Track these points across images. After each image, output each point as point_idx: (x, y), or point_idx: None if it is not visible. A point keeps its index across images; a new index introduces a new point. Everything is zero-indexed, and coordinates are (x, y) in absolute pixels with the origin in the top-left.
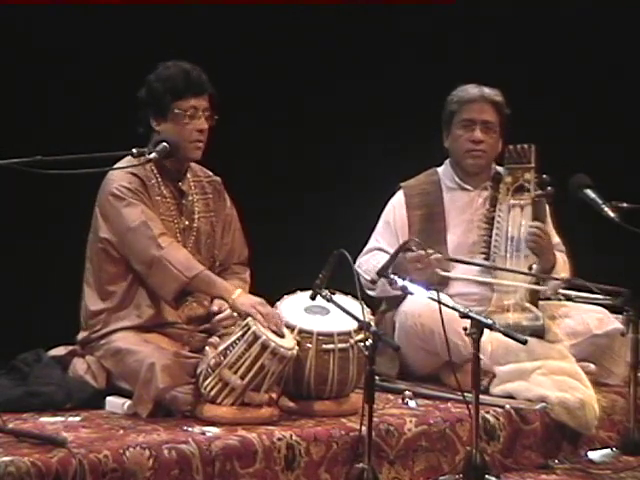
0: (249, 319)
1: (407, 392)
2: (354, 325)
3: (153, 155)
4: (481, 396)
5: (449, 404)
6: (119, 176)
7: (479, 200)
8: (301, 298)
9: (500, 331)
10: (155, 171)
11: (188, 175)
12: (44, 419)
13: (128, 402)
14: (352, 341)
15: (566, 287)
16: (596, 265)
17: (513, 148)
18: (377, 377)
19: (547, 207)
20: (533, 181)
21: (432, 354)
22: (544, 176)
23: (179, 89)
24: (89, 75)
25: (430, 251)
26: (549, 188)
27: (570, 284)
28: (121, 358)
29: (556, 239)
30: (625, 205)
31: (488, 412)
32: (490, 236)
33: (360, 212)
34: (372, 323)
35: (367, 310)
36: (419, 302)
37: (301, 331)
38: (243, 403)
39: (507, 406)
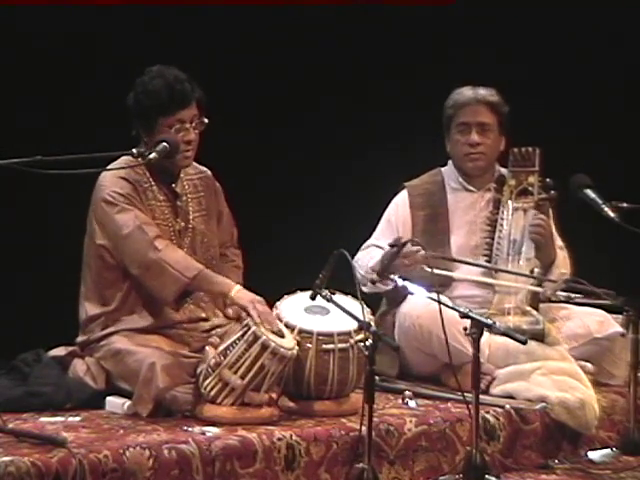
0: (249, 319)
1: (407, 392)
2: (354, 325)
3: (153, 155)
4: (481, 396)
5: (449, 404)
6: (111, 181)
7: (482, 201)
8: (301, 298)
9: (500, 331)
10: (148, 174)
11: (181, 175)
12: (44, 419)
13: (128, 402)
14: (352, 341)
15: (566, 289)
16: (596, 265)
17: (517, 151)
18: (377, 377)
19: (550, 211)
20: (537, 185)
21: (430, 356)
22: (547, 180)
23: (164, 105)
24: (89, 75)
25: (415, 248)
26: (552, 192)
27: (570, 286)
28: (121, 358)
29: (559, 242)
30: (625, 205)
31: (488, 412)
32: (492, 238)
33: (361, 212)
34: (372, 323)
35: (367, 310)
36: (419, 303)
37: (301, 331)
38: (243, 403)
39: (507, 406)
